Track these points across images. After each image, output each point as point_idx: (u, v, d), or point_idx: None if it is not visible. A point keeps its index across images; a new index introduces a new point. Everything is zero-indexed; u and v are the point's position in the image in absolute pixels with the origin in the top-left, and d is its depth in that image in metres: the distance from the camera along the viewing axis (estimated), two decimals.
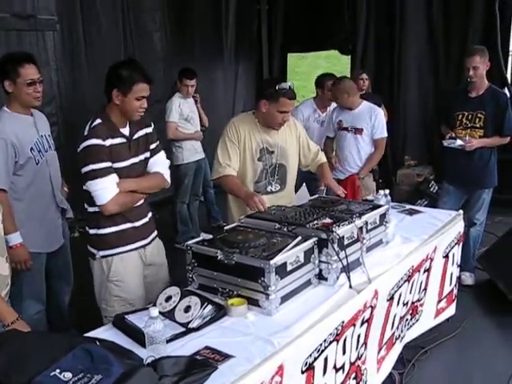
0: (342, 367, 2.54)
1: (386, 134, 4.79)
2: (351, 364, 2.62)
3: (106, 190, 2.65)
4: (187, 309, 2.31)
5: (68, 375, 1.61)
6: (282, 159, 3.47)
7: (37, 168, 3.17)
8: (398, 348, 3.27)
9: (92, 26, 6.47)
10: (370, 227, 2.94)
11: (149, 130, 2.94)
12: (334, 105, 5.32)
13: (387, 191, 3.61)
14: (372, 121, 4.71)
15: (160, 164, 2.97)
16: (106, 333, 2.21)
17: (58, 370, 1.61)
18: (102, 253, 2.82)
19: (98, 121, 2.69)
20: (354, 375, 2.67)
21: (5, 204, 2.90)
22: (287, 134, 3.50)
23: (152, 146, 2.94)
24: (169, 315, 2.31)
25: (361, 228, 2.82)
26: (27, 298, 3.23)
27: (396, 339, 3.22)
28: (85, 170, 2.65)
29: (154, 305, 2.35)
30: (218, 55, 8.31)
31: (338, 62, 14.07)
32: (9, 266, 2.47)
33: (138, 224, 2.89)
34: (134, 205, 2.84)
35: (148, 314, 2.00)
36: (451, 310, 3.84)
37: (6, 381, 1.54)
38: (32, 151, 3.13)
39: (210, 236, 2.64)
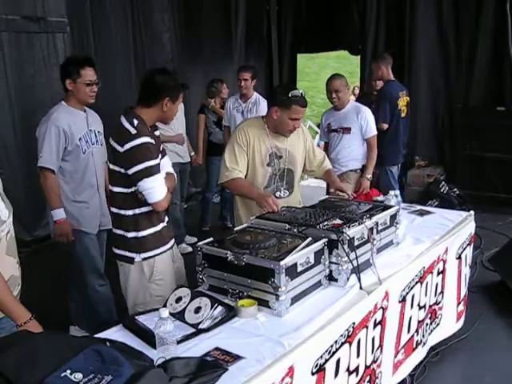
0: (356, 370, 2.52)
1: (375, 132, 4.93)
2: (366, 367, 2.61)
3: (161, 186, 2.73)
4: (197, 310, 2.31)
5: (79, 376, 1.60)
6: (290, 164, 3.46)
7: (83, 157, 3.52)
8: (420, 353, 3.26)
9: (102, 28, 6.50)
10: (380, 228, 2.93)
11: (158, 132, 3.01)
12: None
13: (398, 192, 3.59)
14: (359, 119, 4.83)
15: (169, 165, 3.06)
16: (116, 334, 2.22)
17: (68, 371, 1.61)
18: (143, 255, 2.82)
19: (137, 121, 2.73)
20: (368, 378, 2.65)
21: (52, 182, 3.44)
22: (295, 139, 3.49)
23: (161, 148, 3.00)
24: (179, 316, 2.31)
25: (371, 229, 2.80)
26: (88, 273, 3.64)
27: (418, 344, 3.19)
28: (139, 167, 2.66)
29: (165, 306, 2.35)
30: (227, 56, 8.31)
31: (347, 63, 14.09)
32: (19, 266, 2.49)
33: (165, 223, 2.97)
34: None
35: (158, 314, 2.00)
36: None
37: (16, 382, 1.54)
38: (80, 141, 3.49)
39: (195, 239, 2.65)
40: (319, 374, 2.20)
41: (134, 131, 2.68)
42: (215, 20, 8.06)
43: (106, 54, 6.43)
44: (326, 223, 2.73)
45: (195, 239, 5.44)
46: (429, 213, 3.81)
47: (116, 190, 2.81)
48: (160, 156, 2.89)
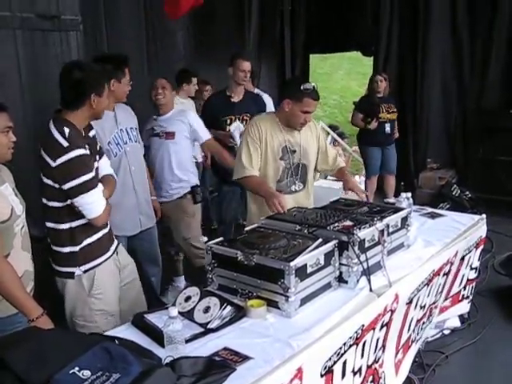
0: (359, 370, 2.52)
1: (209, 135, 4.22)
2: (368, 367, 2.60)
3: (99, 200, 2.59)
4: (206, 309, 2.31)
5: (87, 373, 1.61)
6: (304, 159, 3.46)
7: (114, 160, 3.31)
8: (413, 350, 3.25)
9: (115, 27, 6.51)
10: (391, 230, 2.92)
11: (94, 131, 2.86)
12: None
13: (409, 194, 3.57)
14: (187, 120, 4.11)
15: (108, 165, 2.93)
16: (125, 332, 2.22)
17: (77, 368, 1.61)
18: (83, 267, 2.68)
19: (68, 129, 2.54)
20: (371, 378, 2.65)
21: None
22: (308, 135, 3.50)
23: (98, 148, 2.86)
24: (188, 315, 2.31)
25: (382, 231, 2.79)
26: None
27: (412, 342, 3.19)
28: (74, 183, 2.50)
29: (174, 305, 2.35)
30: None
31: (360, 64, 14.01)
32: (33, 262, 2.51)
33: (107, 230, 2.82)
34: None
35: (167, 313, 2.01)
36: (460, 309, 3.83)
37: (25, 378, 1.55)
38: (109, 144, 3.35)
39: (205, 238, 2.64)
40: (327, 375, 2.20)
41: (65, 144, 2.49)
42: (228, 19, 8.05)
43: (120, 53, 6.44)
44: (336, 224, 2.72)
45: (205, 239, 5.44)
46: (440, 216, 3.78)
47: (50, 204, 2.61)
48: (98, 158, 2.78)
